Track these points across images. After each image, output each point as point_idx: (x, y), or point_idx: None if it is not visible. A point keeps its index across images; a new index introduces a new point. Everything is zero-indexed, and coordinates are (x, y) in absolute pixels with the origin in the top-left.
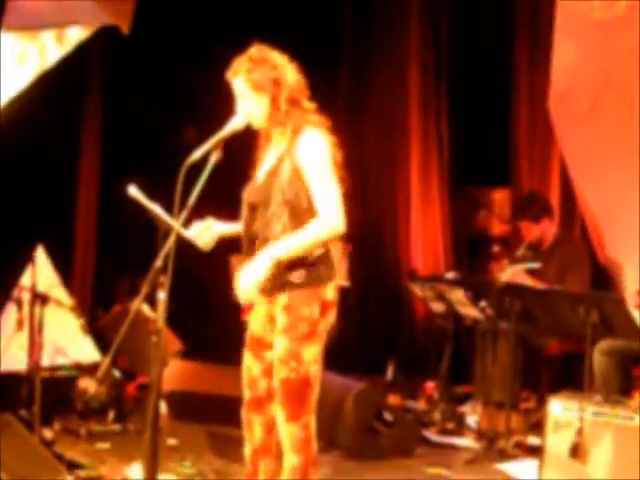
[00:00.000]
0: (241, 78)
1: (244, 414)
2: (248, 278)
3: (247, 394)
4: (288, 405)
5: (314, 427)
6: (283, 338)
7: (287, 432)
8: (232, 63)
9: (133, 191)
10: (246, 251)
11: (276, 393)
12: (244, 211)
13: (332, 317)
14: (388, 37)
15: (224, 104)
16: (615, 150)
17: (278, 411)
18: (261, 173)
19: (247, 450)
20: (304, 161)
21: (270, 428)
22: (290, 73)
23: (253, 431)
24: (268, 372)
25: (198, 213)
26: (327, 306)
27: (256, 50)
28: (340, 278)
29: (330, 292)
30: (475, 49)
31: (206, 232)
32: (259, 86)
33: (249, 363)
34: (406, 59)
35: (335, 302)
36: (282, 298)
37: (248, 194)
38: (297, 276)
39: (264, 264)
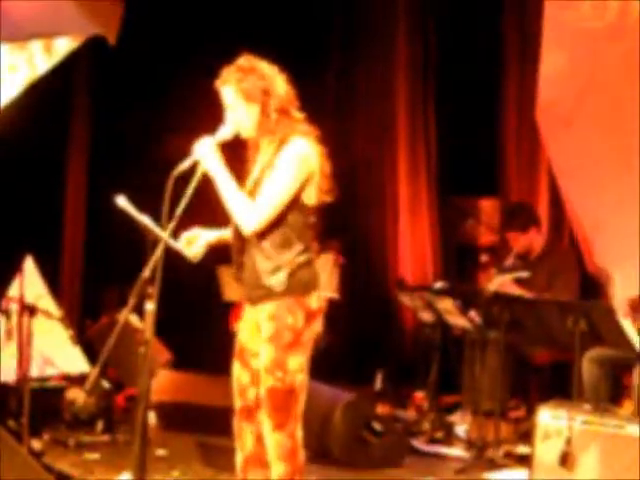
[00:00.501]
0: (231, 87)
1: (235, 423)
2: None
3: (238, 403)
4: (274, 414)
5: (300, 436)
6: (268, 347)
7: (273, 441)
8: (221, 72)
9: (121, 201)
10: (235, 260)
11: (262, 402)
12: (234, 221)
13: (318, 326)
14: (375, 43)
15: (212, 113)
16: (604, 158)
17: (264, 420)
18: (249, 183)
19: (238, 459)
20: (278, 162)
21: (261, 437)
22: (279, 83)
23: (244, 440)
24: (257, 381)
25: (186, 223)
26: (312, 315)
27: (245, 60)
28: (330, 290)
29: (315, 301)
30: (463, 58)
31: (194, 242)
32: (249, 95)
33: (238, 372)
34: (393, 66)
35: (320, 311)
36: (267, 307)
37: None
38: (277, 280)
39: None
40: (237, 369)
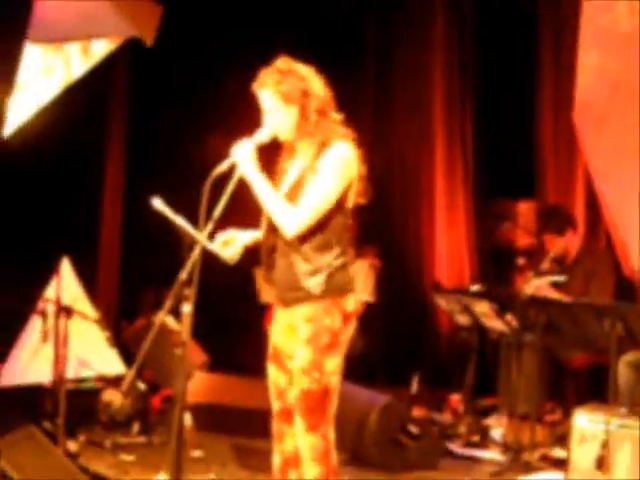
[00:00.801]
0: (269, 90)
1: (275, 425)
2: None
3: (276, 405)
4: (308, 415)
5: (333, 437)
6: (306, 348)
7: (307, 442)
8: (258, 75)
9: (157, 203)
10: (265, 261)
11: (296, 403)
12: (265, 222)
13: (352, 328)
14: (413, 45)
15: (248, 114)
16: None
17: (297, 421)
18: (285, 185)
19: (276, 461)
20: (321, 167)
21: None
22: (317, 84)
23: (284, 442)
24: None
25: (221, 225)
26: (348, 317)
27: (282, 62)
28: (366, 294)
29: (351, 303)
30: (500, 60)
31: (230, 244)
32: (288, 97)
33: (274, 375)
34: (430, 70)
35: (355, 313)
36: (303, 309)
37: None
38: (315, 283)
39: (249, 154)
40: (273, 372)
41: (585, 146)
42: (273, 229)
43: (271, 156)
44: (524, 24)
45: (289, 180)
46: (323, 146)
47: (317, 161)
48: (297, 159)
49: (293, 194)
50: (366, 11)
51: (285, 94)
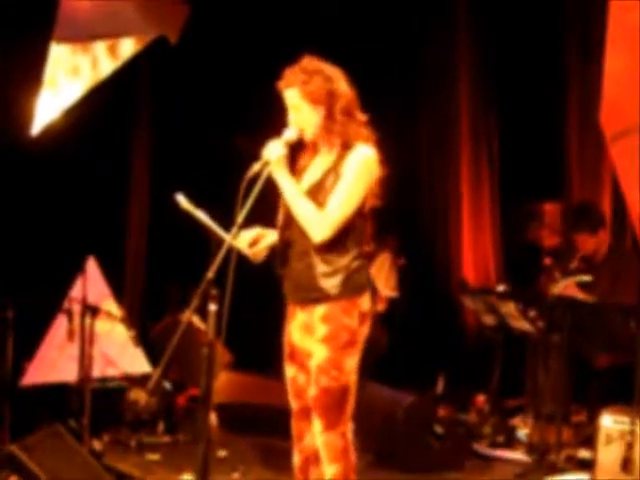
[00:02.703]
0: (296, 89)
1: (294, 424)
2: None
3: (295, 405)
4: (327, 414)
5: (351, 436)
6: (324, 347)
7: (325, 441)
8: (283, 74)
9: (182, 200)
10: (280, 258)
11: (314, 402)
12: (282, 218)
13: (368, 327)
14: (439, 46)
15: (275, 114)
16: None
17: (316, 421)
18: (305, 183)
19: (296, 460)
20: (345, 170)
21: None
22: (343, 85)
23: (304, 441)
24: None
25: (245, 224)
26: (365, 316)
27: (309, 62)
28: (389, 289)
29: (366, 302)
30: (526, 60)
31: (257, 243)
32: (315, 98)
33: (293, 374)
34: (456, 68)
35: (370, 312)
36: (320, 309)
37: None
38: (332, 284)
39: (279, 155)
40: (291, 371)
41: (612, 147)
42: (289, 225)
43: (291, 153)
44: (551, 25)
45: (310, 178)
46: (346, 148)
47: (340, 163)
48: (319, 159)
49: (316, 195)
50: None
51: (312, 94)
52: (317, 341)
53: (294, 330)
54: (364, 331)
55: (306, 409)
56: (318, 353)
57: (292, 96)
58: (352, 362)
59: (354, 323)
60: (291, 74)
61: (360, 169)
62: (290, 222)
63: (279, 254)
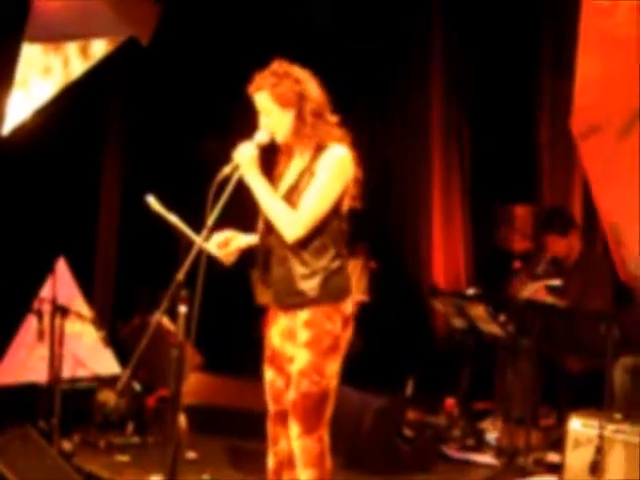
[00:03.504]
0: (265, 92)
1: (270, 428)
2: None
3: (272, 408)
4: (305, 418)
5: (328, 441)
6: (306, 352)
7: (302, 446)
8: (253, 78)
9: (152, 202)
10: (261, 263)
11: (293, 406)
12: (261, 224)
13: (350, 331)
14: (411, 49)
15: (247, 117)
16: (637, 167)
17: (293, 425)
18: (282, 188)
19: (270, 463)
20: (318, 170)
21: None
22: (313, 87)
23: (279, 444)
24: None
25: (217, 226)
26: (347, 320)
27: (278, 65)
28: (359, 292)
29: (349, 307)
30: (498, 65)
31: (227, 245)
32: (285, 100)
33: (272, 377)
34: (429, 70)
35: (353, 316)
36: (303, 314)
37: None
38: (310, 285)
39: (250, 157)
40: (271, 374)
41: (583, 151)
42: (269, 231)
43: (269, 159)
44: (523, 27)
45: (286, 183)
46: (319, 149)
47: (314, 164)
48: (294, 162)
49: (291, 197)
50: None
51: (281, 97)
52: (300, 346)
53: (275, 334)
54: (347, 336)
55: (283, 413)
56: (300, 357)
57: (262, 99)
58: (334, 367)
59: (337, 328)
60: (260, 78)
61: (334, 168)
62: (270, 228)
63: (261, 261)
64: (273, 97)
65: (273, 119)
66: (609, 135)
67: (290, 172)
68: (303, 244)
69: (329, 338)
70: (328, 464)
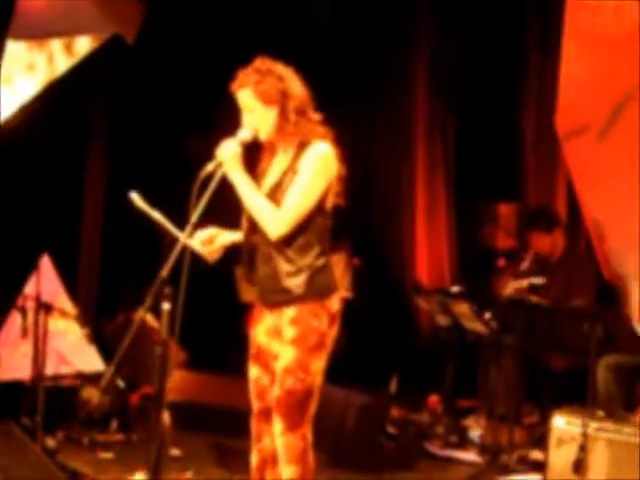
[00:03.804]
0: (248, 90)
1: (254, 425)
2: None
3: (256, 405)
4: (289, 415)
5: (311, 439)
6: (291, 349)
7: (285, 443)
8: (236, 75)
9: (136, 199)
10: (246, 261)
11: (277, 403)
12: (245, 222)
13: (336, 329)
14: (396, 48)
15: (231, 115)
16: (621, 163)
17: (277, 421)
18: (265, 186)
19: (254, 460)
20: (301, 167)
21: None
22: (296, 84)
23: (263, 441)
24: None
25: (200, 224)
26: (334, 317)
27: (261, 62)
28: (343, 289)
29: (335, 304)
30: (483, 61)
31: (211, 243)
32: (268, 98)
33: (257, 374)
34: (413, 68)
35: (339, 313)
36: (289, 312)
37: None
38: (296, 283)
39: (234, 155)
40: (256, 371)
41: (568, 149)
42: (254, 229)
43: (252, 156)
44: (509, 26)
45: (270, 181)
46: (302, 146)
47: (297, 161)
48: (277, 160)
49: (274, 195)
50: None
51: (265, 94)
52: (285, 343)
53: (260, 332)
54: (333, 333)
55: (267, 410)
56: (285, 355)
57: (245, 97)
58: (319, 364)
59: (323, 325)
60: (243, 75)
61: (317, 165)
62: (255, 226)
63: (246, 259)
64: (256, 94)
65: (256, 116)
66: (592, 133)
67: (273, 170)
68: (287, 241)
69: (315, 335)
70: (311, 461)
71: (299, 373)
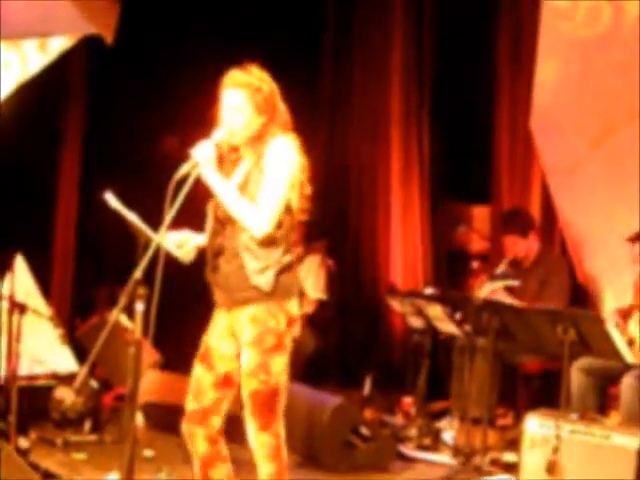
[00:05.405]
0: (244, 93)
1: (185, 427)
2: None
3: (191, 405)
4: (259, 415)
5: (283, 434)
6: (251, 351)
7: (260, 441)
8: (233, 73)
9: (111, 200)
10: (211, 264)
11: (245, 405)
12: (210, 224)
13: (296, 330)
14: (370, 47)
15: (205, 114)
16: (596, 167)
17: (249, 422)
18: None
19: (195, 464)
20: (266, 164)
21: (215, 439)
22: (280, 101)
23: (197, 445)
24: (219, 384)
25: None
26: (292, 320)
27: (261, 71)
28: (318, 291)
29: (295, 307)
30: (458, 64)
31: (186, 244)
32: (262, 107)
33: (200, 374)
34: (388, 70)
35: (299, 317)
36: (248, 310)
37: (216, 208)
38: (265, 280)
39: (209, 156)
40: (200, 371)
41: (542, 152)
42: (219, 231)
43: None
44: (483, 28)
45: (235, 182)
46: (264, 144)
47: (261, 159)
48: (242, 161)
49: (242, 195)
50: (323, 11)
51: (260, 104)
52: (244, 344)
53: (213, 333)
54: (291, 333)
55: (202, 411)
56: (245, 357)
57: (237, 97)
58: (280, 363)
59: (281, 326)
60: (242, 76)
61: (280, 156)
62: (218, 228)
63: (209, 261)
64: (252, 100)
65: (243, 120)
66: (567, 136)
67: (239, 171)
68: (256, 243)
69: (272, 336)
70: (285, 457)
71: (261, 375)
